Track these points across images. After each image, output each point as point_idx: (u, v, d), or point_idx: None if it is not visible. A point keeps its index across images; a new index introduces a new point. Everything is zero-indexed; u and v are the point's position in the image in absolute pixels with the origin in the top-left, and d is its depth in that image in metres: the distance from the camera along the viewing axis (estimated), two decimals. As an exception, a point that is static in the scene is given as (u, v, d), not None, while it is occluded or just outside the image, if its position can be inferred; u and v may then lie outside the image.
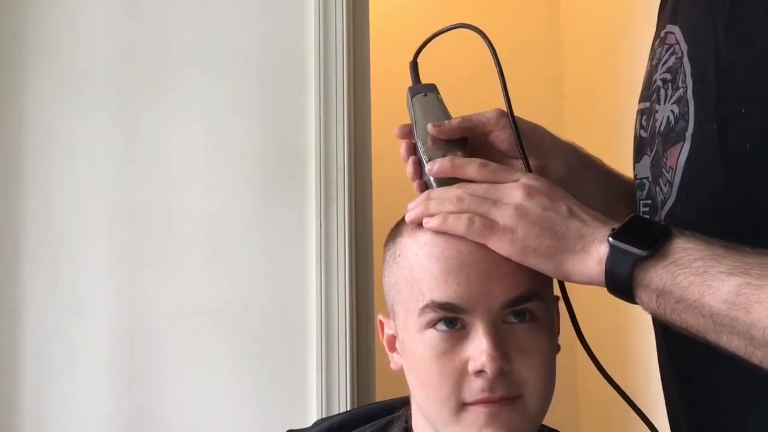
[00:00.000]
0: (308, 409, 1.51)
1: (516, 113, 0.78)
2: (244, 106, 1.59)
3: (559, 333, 0.73)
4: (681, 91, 0.67)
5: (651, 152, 0.72)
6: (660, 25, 0.77)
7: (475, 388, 0.65)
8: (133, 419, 1.55)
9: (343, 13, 1.58)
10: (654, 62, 0.75)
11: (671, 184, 0.68)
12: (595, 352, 0.72)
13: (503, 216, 0.64)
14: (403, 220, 0.74)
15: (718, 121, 0.62)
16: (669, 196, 0.68)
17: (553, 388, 0.70)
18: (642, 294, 0.59)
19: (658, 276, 0.58)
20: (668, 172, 0.68)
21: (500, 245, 0.64)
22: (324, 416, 1.36)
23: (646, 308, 0.61)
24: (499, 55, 0.78)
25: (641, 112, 0.77)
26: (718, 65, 0.63)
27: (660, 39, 0.75)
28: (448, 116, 0.77)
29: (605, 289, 0.61)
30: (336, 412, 1.43)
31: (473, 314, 0.66)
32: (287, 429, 0.90)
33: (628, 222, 0.61)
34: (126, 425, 1.55)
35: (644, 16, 2.14)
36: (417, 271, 0.68)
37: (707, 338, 0.57)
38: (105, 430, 1.56)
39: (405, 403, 0.79)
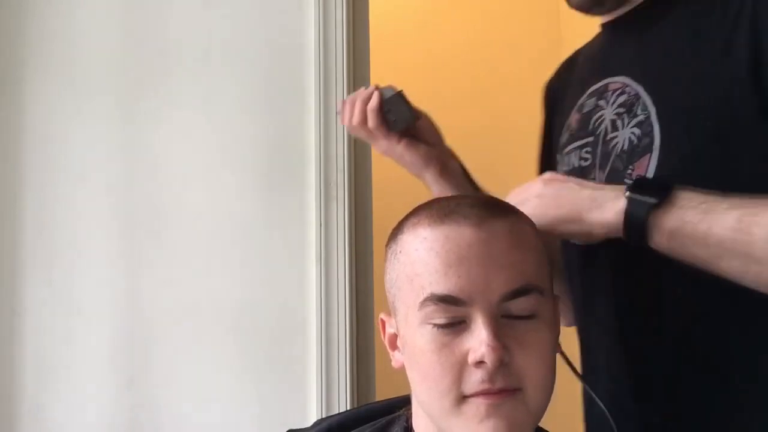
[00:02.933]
0: (308, 409, 1.51)
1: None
2: (244, 106, 1.59)
3: (559, 330, 0.73)
4: (642, 116, 0.84)
5: (603, 172, 0.88)
6: (578, 87, 0.97)
7: (475, 380, 0.66)
8: (133, 419, 1.55)
9: (343, 13, 1.58)
10: (587, 109, 0.93)
11: None
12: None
13: (529, 208, 0.77)
14: (404, 219, 0.74)
15: (683, 133, 0.81)
16: None
17: (554, 383, 0.70)
18: (656, 235, 0.73)
19: (670, 218, 0.72)
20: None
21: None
22: (324, 416, 1.36)
23: (657, 247, 0.74)
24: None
25: (580, 147, 0.93)
26: (677, 92, 0.82)
27: (591, 92, 0.93)
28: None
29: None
30: (336, 412, 1.43)
31: (473, 306, 0.66)
32: (287, 429, 0.90)
33: (637, 182, 0.77)
34: (126, 425, 1.55)
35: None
36: (417, 265, 0.69)
37: (709, 267, 0.72)
38: (105, 430, 1.56)
39: (405, 402, 0.79)
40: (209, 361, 1.55)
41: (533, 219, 0.74)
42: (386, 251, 0.76)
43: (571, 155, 0.95)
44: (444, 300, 0.67)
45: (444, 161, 1.03)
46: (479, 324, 0.66)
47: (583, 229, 0.78)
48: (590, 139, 0.92)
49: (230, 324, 1.55)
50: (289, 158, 1.57)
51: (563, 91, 1.05)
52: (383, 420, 0.81)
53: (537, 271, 0.68)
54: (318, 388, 1.51)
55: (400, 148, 1.00)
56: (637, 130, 0.85)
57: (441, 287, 0.67)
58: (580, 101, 0.96)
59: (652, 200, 0.73)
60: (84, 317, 1.58)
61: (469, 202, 0.71)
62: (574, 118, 0.97)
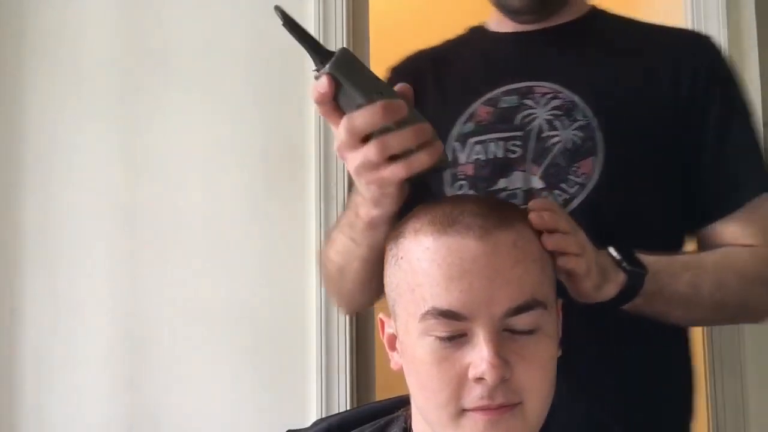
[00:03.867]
0: (308, 409, 1.51)
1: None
2: (244, 106, 1.59)
3: (560, 336, 0.72)
4: (583, 121, 0.95)
5: (538, 166, 0.96)
6: (477, 83, 1.02)
7: (474, 395, 0.65)
8: (133, 419, 1.55)
9: (343, 12, 1.58)
10: (506, 105, 0.99)
11: (583, 186, 0.93)
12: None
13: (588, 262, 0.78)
14: (404, 220, 0.73)
15: (623, 140, 0.95)
16: (579, 194, 0.93)
17: (553, 394, 0.69)
18: (639, 300, 0.83)
19: (652, 284, 0.83)
20: (579, 177, 0.94)
21: (586, 288, 0.77)
22: (324, 416, 1.36)
23: (632, 308, 0.83)
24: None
25: (504, 139, 0.98)
26: (615, 106, 0.96)
27: (509, 90, 1.00)
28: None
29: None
30: (336, 412, 1.43)
31: (475, 321, 0.65)
32: (287, 429, 0.90)
33: (618, 252, 0.83)
34: (126, 425, 1.55)
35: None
36: (419, 276, 0.68)
37: (661, 316, 0.89)
38: (105, 430, 1.56)
39: (405, 402, 0.79)
40: (209, 361, 1.55)
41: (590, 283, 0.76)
42: (386, 251, 0.75)
43: (489, 144, 0.99)
44: (445, 315, 0.66)
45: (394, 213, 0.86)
46: (480, 339, 0.65)
47: (594, 298, 0.80)
48: (518, 133, 0.98)
49: (230, 324, 1.55)
50: (289, 158, 1.57)
51: (432, 82, 1.07)
52: (382, 420, 0.80)
53: (540, 285, 0.67)
54: (318, 388, 1.50)
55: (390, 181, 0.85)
56: (579, 133, 0.95)
57: (442, 301, 0.66)
58: (490, 96, 1.01)
59: (644, 271, 0.83)
60: (84, 317, 1.58)
61: (473, 210, 0.69)
62: (483, 110, 1.01)
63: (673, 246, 1.00)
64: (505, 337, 0.66)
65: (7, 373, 1.57)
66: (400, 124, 0.72)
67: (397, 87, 0.75)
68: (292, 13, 0.74)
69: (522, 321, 0.66)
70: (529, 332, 0.67)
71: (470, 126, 1.00)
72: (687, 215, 0.99)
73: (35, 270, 1.60)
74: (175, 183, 1.59)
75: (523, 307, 0.66)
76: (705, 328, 1.58)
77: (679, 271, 0.89)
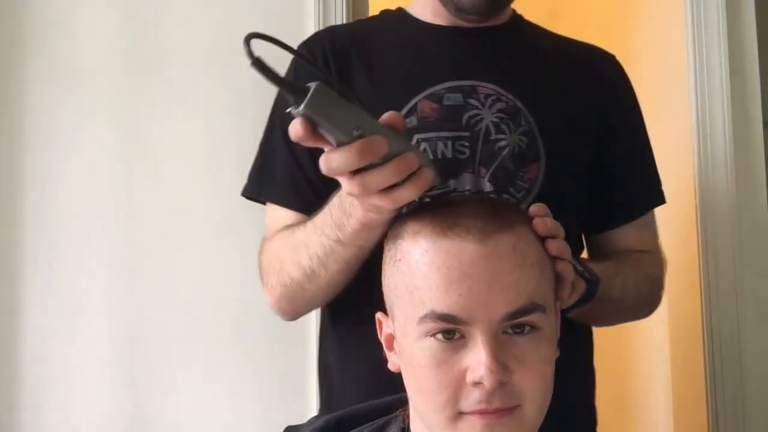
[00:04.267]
0: (308, 408, 1.51)
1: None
2: (244, 106, 1.59)
3: (559, 337, 0.72)
4: (525, 127, 0.97)
5: (486, 168, 0.96)
6: (415, 75, 1.00)
7: (472, 399, 0.65)
8: (133, 419, 1.55)
9: (343, 14, 1.58)
10: (450, 103, 0.98)
11: (528, 191, 0.96)
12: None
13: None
14: (403, 219, 0.73)
15: (561, 146, 0.99)
16: (525, 199, 0.95)
17: (551, 396, 0.69)
18: (589, 304, 0.85)
19: (600, 290, 0.86)
20: (527, 182, 0.96)
21: (565, 295, 0.78)
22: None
23: (579, 312, 0.87)
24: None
25: (452, 139, 0.97)
26: (551, 115, 0.99)
27: (453, 88, 0.98)
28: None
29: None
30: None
31: (473, 325, 0.65)
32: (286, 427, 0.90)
33: (580, 264, 0.85)
34: (126, 425, 1.55)
35: (644, 25, 2.14)
36: (417, 278, 0.67)
37: (589, 318, 0.98)
38: (105, 430, 1.56)
39: (402, 401, 0.79)
40: (209, 360, 1.55)
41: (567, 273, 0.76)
42: (384, 251, 0.75)
43: (437, 143, 0.96)
44: (444, 318, 0.65)
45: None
46: (479, 343, 0.65)
47: (564, 302, 0.80)
48: (466, 133, 0.97)
49: (230, 324, 1.55)
50: (288, 158, 1.56)
51: (358, 61, 1.03)
52: (380, 420, 0.80)
53: (539, 288, 0.67)
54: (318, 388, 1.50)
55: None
56: (524, 138, 0.97)
57: (441, 305, 0.65)
58: (432, 91, 0.98)
59: (597, 279, 0.86)
60: (84, 317, 1.58)
61: (473, 212, 0.69)
62: (426, 106, 0.98)
63: (579, 249, 1.07)
64: (503, 340, 0.66)
65: (7, 373, 1.57)
66: (383, 158, 0.68)
67: (385, 116, 0.70)
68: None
69: (520, 325, 0.66)
70: (528, 335, 0.67)
71: (413, 121, 0.97)
72: (590, 220, 1.06)
73: (35, 270, 1.60)
74: (175, 183, 1.59)
75: (521, 311, 0.66)
76: (704, 329, 1.58)
77: (612, 277, 0.94)
